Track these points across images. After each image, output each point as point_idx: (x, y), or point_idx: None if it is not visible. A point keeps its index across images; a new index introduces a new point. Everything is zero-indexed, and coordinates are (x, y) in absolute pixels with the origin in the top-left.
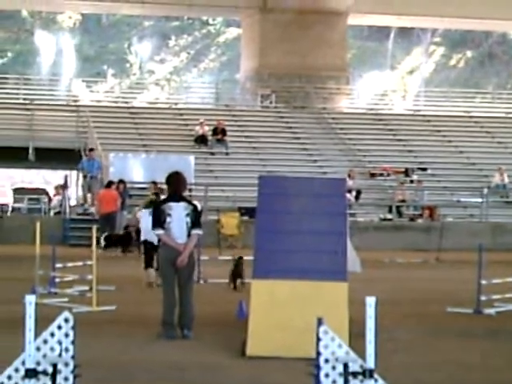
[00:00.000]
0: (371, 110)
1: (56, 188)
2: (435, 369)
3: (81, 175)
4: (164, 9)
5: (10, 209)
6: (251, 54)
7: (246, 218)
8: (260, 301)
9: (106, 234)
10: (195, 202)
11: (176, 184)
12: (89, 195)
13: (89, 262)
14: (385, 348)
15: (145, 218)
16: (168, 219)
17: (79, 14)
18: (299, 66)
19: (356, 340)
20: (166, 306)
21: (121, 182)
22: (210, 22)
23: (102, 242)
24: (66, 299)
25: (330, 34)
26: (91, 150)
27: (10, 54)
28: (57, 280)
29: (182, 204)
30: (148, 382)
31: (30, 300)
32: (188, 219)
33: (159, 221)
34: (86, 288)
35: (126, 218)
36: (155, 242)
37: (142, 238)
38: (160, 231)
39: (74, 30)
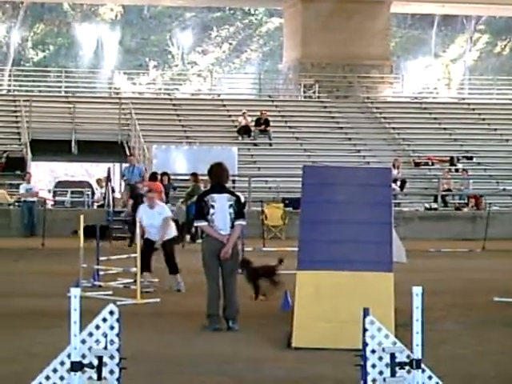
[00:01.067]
0: (415, 98)
1: (97, 181)
2: (483, 359)
3: (123, 183)
4: (206, 0)
5: (53, 202)
6: (294, 44)
7: (289, 208)
8: (305, 292)
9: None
10: (238, 194)
11: (219, 175)
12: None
13: (133, 255)
14: (431, 339)
15: (145, 214)
16: (211, 210)
17: (120, 6)
18: (342, 55)
19: (402, 330)
20: (210, 298)
21: (164, 174)
22: (252, 12)
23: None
24: (110, 292)
25: (372, 22)
26: (130, 155)
27: (51, 47)
28: (101, 273)
29: (225, 195)
30: (193, 375)
31: (75, 293)
32: (231, 210)
33: (202, 212)
34: (130, 280)
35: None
36: (154, 240)
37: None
38: (203, 223)
39: (115, 22)
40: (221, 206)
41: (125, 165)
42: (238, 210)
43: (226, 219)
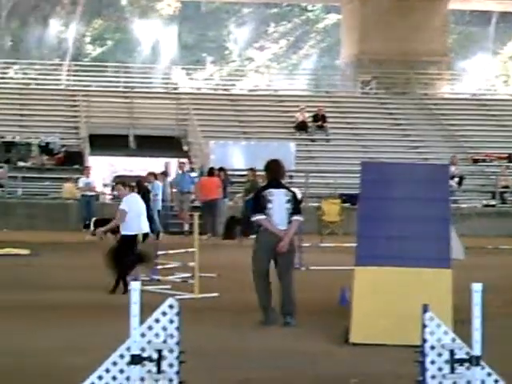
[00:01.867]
0: (473, 95)
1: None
2: None
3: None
4: None
5: (111, 196)
6: (351, 40)
7: (347, 204)
8: (363, 288)
9: (95, 218)
10: (295, 190)
11: (276, 171)
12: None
13: (191, 250)
14: (489, 336)
15: (133, 204)
16: (269, 205)
17: (178, 1)
18: (400, 51)
19: (460, 327)
20: (260, 291)
21: (221, 169)
22: (310, 8)
23: (92, 226)
24: (168, 286)
25: (430, 19)
26: (181, 163)
27: (109, 43)
28: (159, 267)
29: (283, 190)
30: (252, 370)
31: (135, 286)
32: (289, 205)
33: (260, 207)
34: (188, 275)
35: (227, 206)
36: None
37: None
38: (261, 216)
39: (173, 17)
40: (278, 201)
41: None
42: (295, 206)
43: (284, 214)
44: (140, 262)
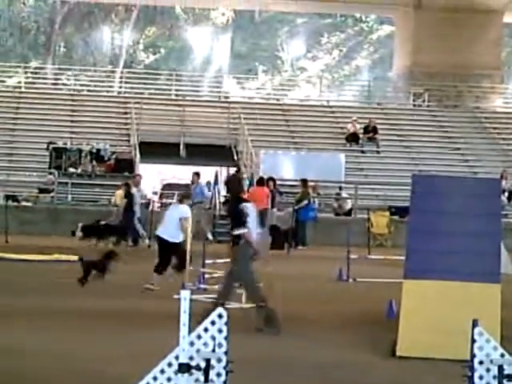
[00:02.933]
0: None
1: (207, 184)
2: None
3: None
4: (317, 6)
5: (160, 204)
6: (404, 52)
7: (395, 217)
8: (411, 301)
9: (81, 224)
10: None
11: (240, 185)
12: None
13: None
14: None
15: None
16: (248, 219)
17: (232, 10)
18: (452, 64)
19: (508, 343)
20: (260, 294)
21: (270, 179)
22: (363, 19)
23: (79, 233)
24: (215, 295)
25: (484, 32)
26: (196, 173)
27: (162, 50)
28: (206, 276)
29: (250, 204)
30: (298, 380)
31: (185, 295)
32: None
33: (243, 220)
34: (236, 284)
35: (276, 216)
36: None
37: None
38: (245, 230)
39: (226, 26)
40: (251, 214)
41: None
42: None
43: (255, 227)
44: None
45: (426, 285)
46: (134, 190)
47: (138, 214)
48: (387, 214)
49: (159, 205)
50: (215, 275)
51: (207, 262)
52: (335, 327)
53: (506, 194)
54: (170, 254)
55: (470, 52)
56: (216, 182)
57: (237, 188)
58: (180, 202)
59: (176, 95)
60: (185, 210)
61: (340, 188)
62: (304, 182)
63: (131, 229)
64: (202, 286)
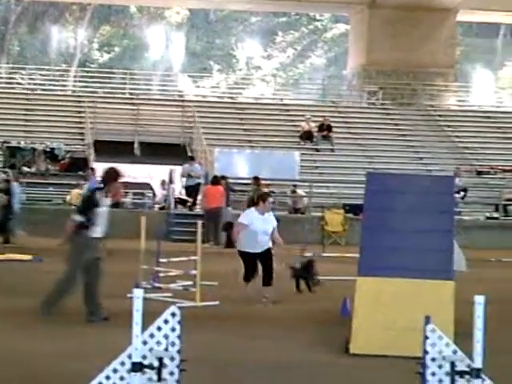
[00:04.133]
0: (479, 107)
1: (162, 183)
2: None
3: None
4: (272, 4)
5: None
6: (358, 51)
7: (350, 215)
8: (364, 298)
9: None
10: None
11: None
12: None
13: (193, 257)
14: (491, 349)
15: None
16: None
17: (187, 9)
18: (407, 62)
19: (461, 339)
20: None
21: (222, 177)
22: (318, 17)
23: None
24: (169, 294)
25: (438, 30)
26: (91, 169)
27: (117, 49)
28: (161, 275)
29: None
30: (252, 379)
31: (138, 294)
32: None
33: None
34: (190, 283)
35: (230, 214)
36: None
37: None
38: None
39: (181, 25)
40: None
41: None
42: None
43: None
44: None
45: (380, 282)
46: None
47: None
48: (341, 211)
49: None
50: (170, 274)
51: (162, 260)
52: (289, 326)
53: (462, 193)
54: None
55: (424, 50)
56: (171, 181)
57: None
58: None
59: (130, 94)
60: None
61: (294, 186)
62: (256, 179)
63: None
64: (157, 284)
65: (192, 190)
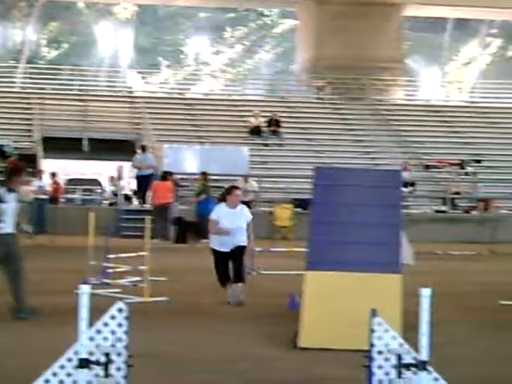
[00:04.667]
0: (427, 101)
1: (111, 179)
2: (489, 362)
3: None
4: (220, 0)
5: (64, 200)
6: (307, 46)
7: (299, 209)
8: (313, 292)
9: None
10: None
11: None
12: None
13: (142, 253)
14: (437, 341)
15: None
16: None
17: (135, 5)
18: (355, 57)
19: (409, 332)
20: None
21: (169, 173)
22: (266, 13)
23: None
24: (118, 290)
25: (385, 25)
26: (38, 171)
27: (65, 46)
28: (110, 271)
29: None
30: (200, 374)
31: (84, 290)
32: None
33: None
34: (139, 279)
35: (177, 210)
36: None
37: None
38: None
39: (129, 21)
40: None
41: None
42: None
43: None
44: None
45: (327, 276)
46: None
47: None
48: (290, 206)
49: (64, 200)
50: (119, 270)
51: (110, 256)
52: (238, 320)
53: (410, 187)
54: None
55: (372, 45)
56: (119, 177)
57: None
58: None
59: (79, 90)
60: None
61: (246, 177)
62: (204, 174)
63: None
64: (106, 280)
65: (144, 181)
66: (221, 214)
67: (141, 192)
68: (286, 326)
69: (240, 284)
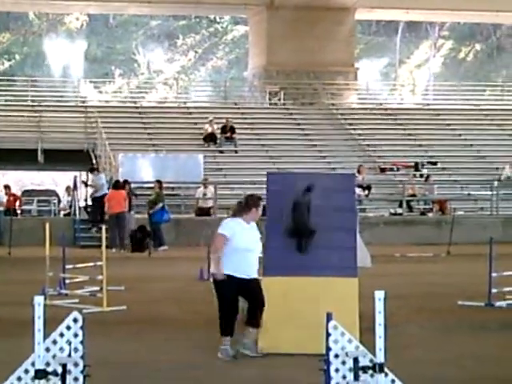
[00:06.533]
0: (380, 104)
1: (67, 189)
2: (446, 363)
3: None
4: (171, 8)
5: (20, 211)
6: (259, 52)
7: None
8: (270, 297)
9: None
10: None
11: None
12: None
13: (99, 263)
14: (396, 343)
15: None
16: None
17: (86, 15)
18: (307, 62)
19: (367, 335)
20: None
21: (125, 182)
22: (218, 20)
23: None
24: (76, 300)
25: (337, 29)
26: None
27: (17, 57)
28: (67, 281)
29: None
30: (157, 381)
31: (39, 301)
32: None
33: None
34: (97, 288)
35: (133, 219)
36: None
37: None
38: None
39: (81, 31)
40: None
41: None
42: None
43: None
44: None
45: (284, 281)
46: None
47: None
48: None
49: (19, 212)
50: (76, 280)
51: (68, 266)
52: (195, 327)
53: (366, 191)
54: None
55: (324, 50)
56: (75, 187)
57: None
58: None
59: (32, 101)
60: None
61: (206, 186)
62: (159, 183)
63: None
64: (63, 290)
65: (99, 201)
66: (236, 230)
67: (96, 215)
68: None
69: (257, 330)
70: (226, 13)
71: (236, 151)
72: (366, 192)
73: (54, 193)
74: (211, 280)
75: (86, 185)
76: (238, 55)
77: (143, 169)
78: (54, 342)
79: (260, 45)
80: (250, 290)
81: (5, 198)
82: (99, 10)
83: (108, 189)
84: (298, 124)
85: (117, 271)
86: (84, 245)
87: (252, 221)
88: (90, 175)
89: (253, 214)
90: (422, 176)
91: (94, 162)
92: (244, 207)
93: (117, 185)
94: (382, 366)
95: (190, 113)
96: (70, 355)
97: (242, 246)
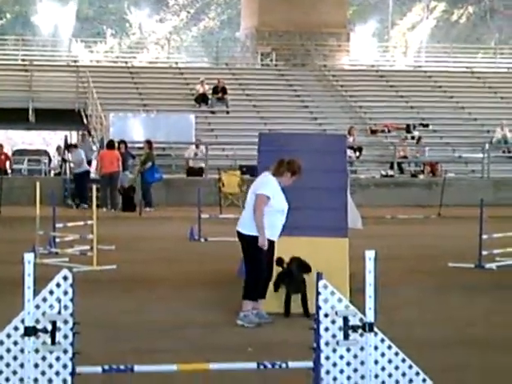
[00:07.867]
0: (372, 66)
1: (58, 148)
2: (436, 323)
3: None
4: None
5: (10, 170)
6: (251, 12)
7: (247, 176)
8: None
9: None
10: None
11: None
12: None
13: (89, 222)
14: (387, 304)
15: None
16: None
17: None
18: (299, 23)
19: (357, 295)
20: None
21: (121, 142)
22: None
23: None
24: (66, 259)
25: None
26: None
27: (8, 16)
28: (57, 240)
29: None
30: (149, 340)
31: (29, 258)
32: None
33: None
34: (87, 247)
35: (127, 179)
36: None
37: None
38: None
39: None
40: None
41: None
42: None
43: None
44: None
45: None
46: None
47: None
48: (238, 173)
49: (10, 171)
50: (66, 239)
51: (58, 225)
52: (186, 287)
53: (357, 152)
54: None
55: (317, 11)
56: (66, 147)
57: None
58: None
59: (23, 60)
60: None
61: (197, 146)
62: (148, 143)
63: None
64: (53, 249)
65: (80, 179)
66: (276, 190)
67: (77, 191)
68: (235, 292)
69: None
70: None
71: (227, 112)
72: (357, 154)
73: (44, 152)
74: (247, 241)
75: (65, 161)
76: (230, 16)
77: (134, 129)
78: (44, 300)
79: (252, 5)
80: (270, 257)
81: None
82: None
83: (100, 148)
84: (290, 85)
85: (107, 230)
86: (72, 204)
87: (283, 184)
88: (68, 153)
89: (285, 178)
90: (413, 138)
91: (85, 121)
92: (282, 168)
93: (110, 145)
94: (371, 326)
95: (182, 73)
96: (59, 312)
97: (280, 208)
